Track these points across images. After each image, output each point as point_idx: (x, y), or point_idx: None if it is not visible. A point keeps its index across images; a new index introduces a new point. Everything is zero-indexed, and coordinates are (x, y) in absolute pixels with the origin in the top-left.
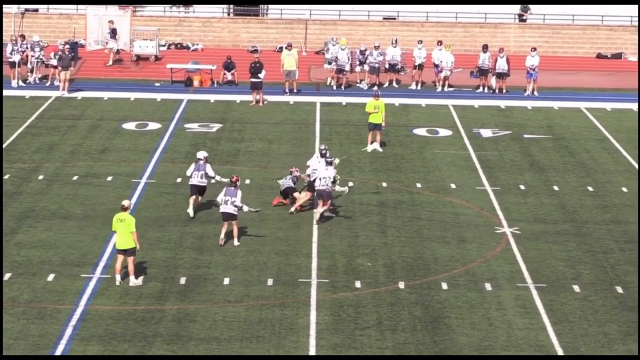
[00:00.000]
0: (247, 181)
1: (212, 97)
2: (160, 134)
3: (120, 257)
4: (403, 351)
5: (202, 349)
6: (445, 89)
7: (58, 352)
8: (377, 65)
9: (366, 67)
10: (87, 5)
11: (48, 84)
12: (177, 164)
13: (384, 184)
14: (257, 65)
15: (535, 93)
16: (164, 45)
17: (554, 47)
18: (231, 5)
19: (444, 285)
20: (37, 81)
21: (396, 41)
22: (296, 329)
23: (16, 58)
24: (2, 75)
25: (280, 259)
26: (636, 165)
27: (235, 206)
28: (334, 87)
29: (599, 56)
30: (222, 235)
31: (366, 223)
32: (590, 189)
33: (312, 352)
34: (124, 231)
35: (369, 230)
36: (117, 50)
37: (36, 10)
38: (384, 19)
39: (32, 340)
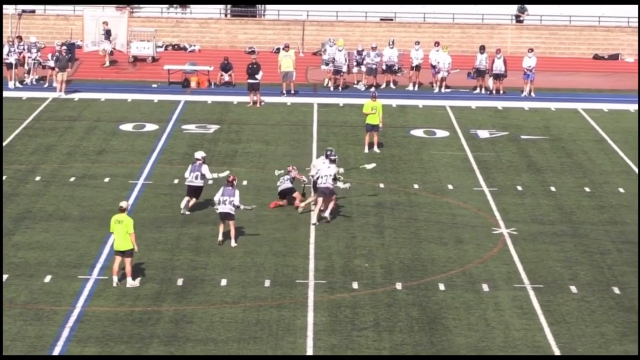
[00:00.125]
0: (245, 182)
1: (210, 98)
2: (157, 135)
3: (118, 259)
4: (400, 352)
5: (200, 350)
6: (443, 90)
7: (55, 354)
8: (374, 66)
9: (363, 68)
10: (85, 5)
11: (46, 85)
12: (175, 165)
13: (381, 185)
14: (255, 66)
15: (532, 94)
16: (161, 47)
17: (551, 48)
18: (228, 7)
19: (441, 286)
20: (34, 82)
21: (393, 42)
22: (293, 330)
23: (13, 59)
24: (2, 75)
25: (277, 260)
26: (633, 166)
27: (234, 206)
28: (331, 88)
29: (596, 57)
30: (220, 235)
31: (363, 224)
32: (587, 189)
33: (310, 353)
34: (122, 232)
35: (366, 231)
36: (111, 51)
37: (33, 11)
38: (381, 20)
39: (29, 341)
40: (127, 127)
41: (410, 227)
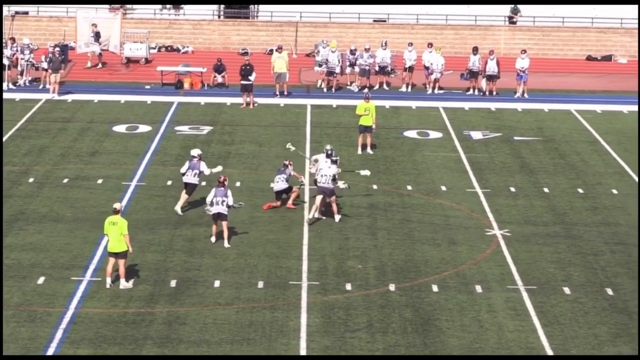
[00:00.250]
0: (238, 183)
1: (203, 100)
2: (150, 137)
3: (112, 260)
4: (393, 354)
5: (193, 351)
6: (436, 91)
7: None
8: (367, 67)
9: (357, 69)
10: (78, 5)
11: (41, 87)
12: (168, 167)
13: (375, 187)
14: (248, 67)
15: (526, 95)
16: (154, 48)
17: (544, 50)
18: (221, 8)
19: (435, 288)
20: (27, 84)
21: (386, 43)
22: (287, 331)
23: (6, 61)
24: (2, 75)
25: (270, 262)
26: (626, 167)
27: (228, 206)
28: (325, 90)
29: (589, 58)
30: (214, 236)
31: (356, 225)
32: (580, 190)
33: (303, 354)
34: (116, 234)
35: (359, 232)
36: (100, 53)
37: (26, 13)
38: (374, 21)
39: (22, 343)
40: (120, 128)
41: (403, 228)
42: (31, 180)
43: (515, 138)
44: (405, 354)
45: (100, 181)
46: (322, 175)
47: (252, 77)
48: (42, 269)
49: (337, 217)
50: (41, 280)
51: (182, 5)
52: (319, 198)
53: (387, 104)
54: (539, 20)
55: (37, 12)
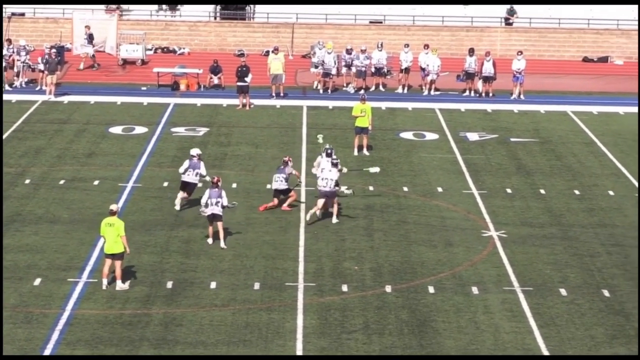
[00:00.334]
0: (234, 185)
1: (199, 101)
2: (146, 138)
3: (108, 262)
4: (390, 355)
5: (189, 353)
6: (432, 92)
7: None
8: (363, 69)
9: (353, 69)
10: (75, 5)
11: (38, 88)
12: (164, 168)
13: (371, 188)
14: (244, 69)
15: (522, 96)
16: (150, 49)
17: (540, 51)
18: (218, 9)
19: (431, 289)
20: (24, 85)
21: (382, 45)
22: (283, 332)
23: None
24: (2, 75)
25: (267, 263)
26: (622, 169)
27: (223, 206)
28: (321, 91)
29: (585, 60)
30: (211, 238)
31: (353, 227)
32: (576, 192)
33: (299, 354)
34: (113, 235)
35: (355, 233)
36: (92, 55)
37: (22, 14)
38: (371, 22)
39: (18, 344)
40: (117, 129)
41: (399, 229)
42: (27, 181)
43: (512, 139)
44: (402, 355)
45: (96, 182)
46: (323, 179)
47: (248, 79)
48: (39, 270)
49: (335, 219)
50: (37, 281)
51: (179, 7)
52: (320, 201)
53: (383, 105)
54: (535, 21)
55: (33, 13)
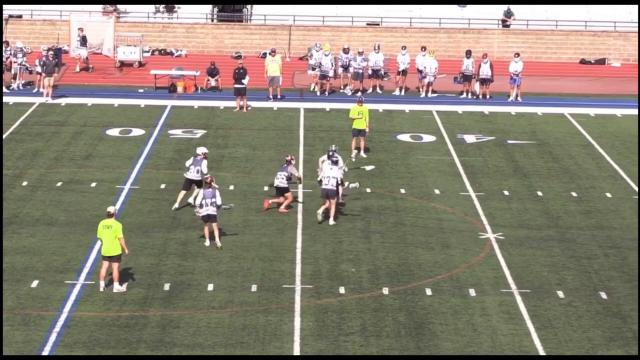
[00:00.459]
0: (231, 187)
1: (196, 103)
2: (144, 140)
3: (106, 264)
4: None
5: (186, 355)
6: (429, 94)
7: None
8: (360, 71)
9: (351, 70)
10: (72, 6)
11: (34, 90)
12: (161, 170)
13: (368, 190)
14: (241, 71)
15: (519, 99)
16: (147, 52)
17: (538, 53)
18: (215, 11)
19: (428, 291)
20: (21, 87)
21: (379, 47)
22: (280, 335)
23: None
24: (1, 76)
25: (264, 265)
26: (620, 171)
27: (217, 206)
28: (318, 93)
29: (583, 62)
30: (207, 239)
31: (350, 229)
32: (574, 194)
33: (296, 354)
34: (111, 237)
35: (352, 236)
36: (86, 57)
37: (20, 16)
38: (368, 24)
39: (15, 346)
40: (114, 132)
41: (397, 232)
42: (25, 183)
43: (509, 141)
44: (399, 356)
45: (93, 185)
46: (325, 177)
47: (245, 81)
48: (36, 273)
49: (332, 221)
50: (35, 283)
51: (176, 8)
52: (324, 200)
53: (381, 107)
54: (532, 23)
55: (30, 15)
